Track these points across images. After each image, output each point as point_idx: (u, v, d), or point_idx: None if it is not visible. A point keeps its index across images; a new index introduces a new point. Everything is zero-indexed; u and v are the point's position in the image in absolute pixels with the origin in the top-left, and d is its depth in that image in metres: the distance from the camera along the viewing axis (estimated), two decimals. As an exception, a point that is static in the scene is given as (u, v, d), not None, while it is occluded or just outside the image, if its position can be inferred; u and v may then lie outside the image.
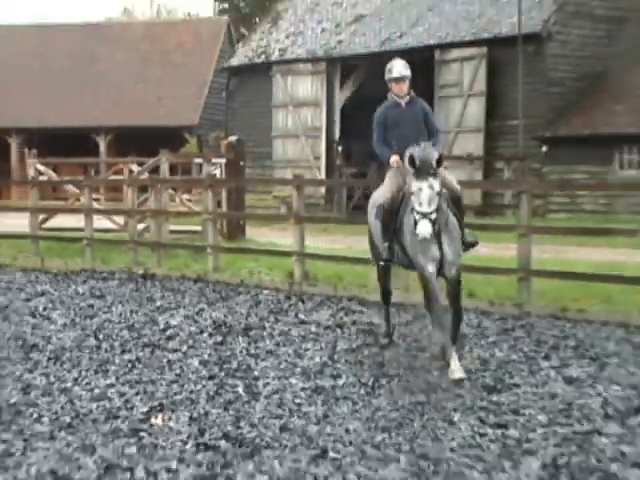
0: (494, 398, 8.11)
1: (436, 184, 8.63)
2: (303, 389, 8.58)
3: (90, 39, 41.68)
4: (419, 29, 29.83)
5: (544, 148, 26.73)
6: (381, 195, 9.64)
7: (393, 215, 9.26)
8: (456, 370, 8.63)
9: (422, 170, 8.64)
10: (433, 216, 8.57)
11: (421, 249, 8.94)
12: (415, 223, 8.65)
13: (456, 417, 7.57)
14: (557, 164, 25.73)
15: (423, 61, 25.34)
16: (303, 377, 9.03)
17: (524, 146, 26.45)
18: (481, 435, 7.11)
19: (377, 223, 9.70)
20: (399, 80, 9.52)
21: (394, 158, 9.32)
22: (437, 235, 8.80)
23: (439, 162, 8.73)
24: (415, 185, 8.65)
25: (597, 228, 14.71)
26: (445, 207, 8.93)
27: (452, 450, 6.78)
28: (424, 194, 8.57)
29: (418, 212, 8.59)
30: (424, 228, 8.51)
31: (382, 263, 9.85)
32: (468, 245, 9.47)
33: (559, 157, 26.02)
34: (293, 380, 8.92)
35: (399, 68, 9.53)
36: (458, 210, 9.29)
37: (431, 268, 8.99)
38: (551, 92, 27.02)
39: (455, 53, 27.98)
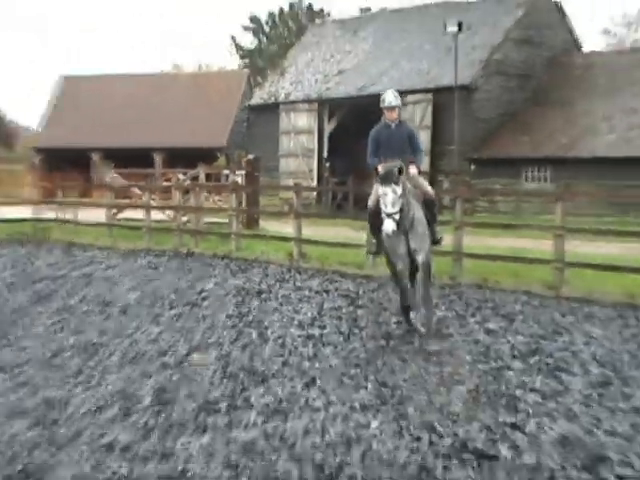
0: (435, 344, 8.15)
1: (398, 189, 8.03)
2: (299, 336, 8.60)
3: (148, 86, 41.54)
4: (384, 79, 29.66)
5: (473, 166, 26.76)
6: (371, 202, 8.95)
7: (377, 216, 8.44)
8: (418, 327, 8.53)
9: (386, 178, 8.10)
10: (397, 216, 8.01)
11: (390, 246, 8.42)
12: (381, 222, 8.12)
13: (408, 357, 7.60)
14: (482, 178, 25.76)
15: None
16: (299, 327, 9.03)
17: (459, 165, 26.49)
18: (425, 370, 7.14)
19: (368, 224, 9.04)
20: (390, 109, 8.80)
21: (379, 167, 8.60)
22: (404, 232, 8.24)
23: (400, 172, 8.13)
24: (381, 190, 8.13)
25: (510, 224, 14.72)
26: (414, 208, 8.32)
27: (404, 380, 6.82)
28: (388, 197, 8.02)
29: (383, 212, 8.06)
30: (388, 226, 7.99)
31: (370, 255, 9.21)
32: (435, 242, 8.93)
33: (483, 173, 26.09)
34: (292, 329, 8.93)
35: (389, 99, 8.80)
36: (430, 210, 8.68)
37: (400, 265, 8.50)
38: (478, 127, 27.05)
39: (410, 98, 27.83)
